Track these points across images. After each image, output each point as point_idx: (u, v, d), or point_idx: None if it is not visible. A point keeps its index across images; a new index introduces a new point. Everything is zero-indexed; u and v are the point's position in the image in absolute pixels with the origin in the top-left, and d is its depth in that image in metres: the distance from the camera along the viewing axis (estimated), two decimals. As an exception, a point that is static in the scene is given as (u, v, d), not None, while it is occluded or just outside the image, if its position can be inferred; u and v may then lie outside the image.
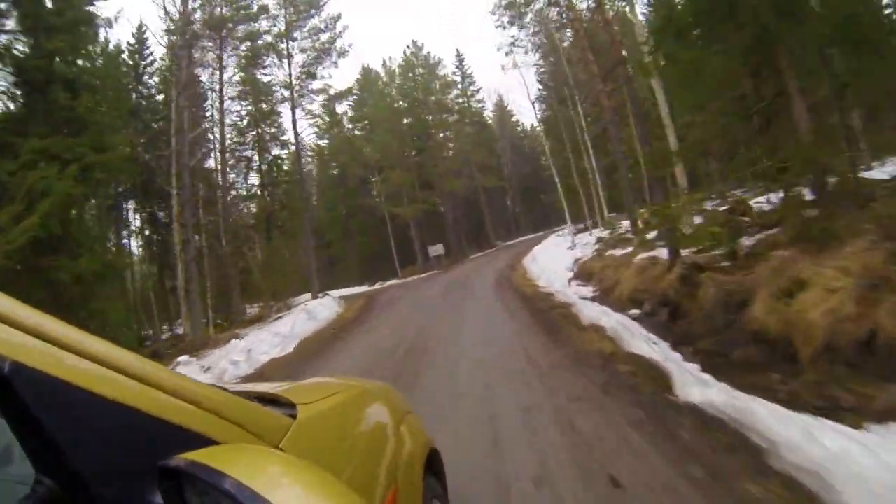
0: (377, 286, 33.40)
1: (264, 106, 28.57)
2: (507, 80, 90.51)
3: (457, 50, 46.29)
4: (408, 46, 36.30)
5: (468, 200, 43.24)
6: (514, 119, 58.31)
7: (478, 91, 43.94)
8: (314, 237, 30.86)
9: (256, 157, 29.75)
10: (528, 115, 73.36)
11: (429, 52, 36.06)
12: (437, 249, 32.32)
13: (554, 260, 16.48)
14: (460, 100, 38.55)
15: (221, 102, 24.04)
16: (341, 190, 43.32)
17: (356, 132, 43.67)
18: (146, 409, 0.67)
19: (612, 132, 17.48)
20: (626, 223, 18.05)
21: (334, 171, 45.35)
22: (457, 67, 42.91)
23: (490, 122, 48.92)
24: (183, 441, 0.69)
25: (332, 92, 28.01)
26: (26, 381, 0.54)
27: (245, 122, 29.69)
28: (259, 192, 29.27)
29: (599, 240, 17.25)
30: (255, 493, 0.55)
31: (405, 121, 36.05)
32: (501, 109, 55.40)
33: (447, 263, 33.14)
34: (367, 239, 40.48)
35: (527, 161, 60.12)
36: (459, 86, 41.04)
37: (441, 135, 34.96)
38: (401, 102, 35.95)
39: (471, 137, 38.76)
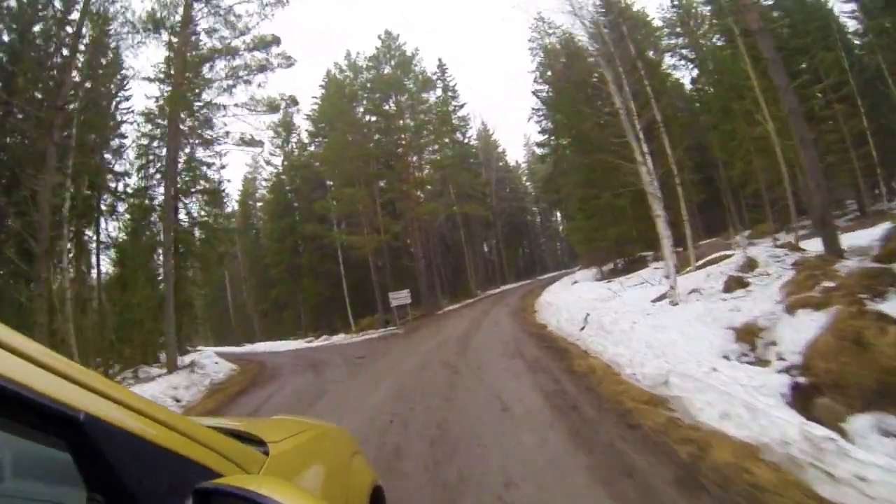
0: (316, 342, 25.03)
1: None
2: (494, 107, 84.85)
3: (439, 59, 38.97)
4: (379, 37, 29.10)
5: (443, 238, 35.63)
6: (500, 150, 51.60)
7: (462, 106, 36.88)
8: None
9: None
10: (514, 149, 66.65)
11: (404, 43, 28.85)
12: (401, 297, 24.26)
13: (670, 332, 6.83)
14: (440, 109, 31.36)
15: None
16: (289, 219, 35.36)
17: (311, 148, 36.24)
18: (168, 445, 0.88)
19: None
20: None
21: (291, 195, 37.62)
22: (438, 78, 35.91)
23: (474, 149, 41.64)
24: (193, 471, 0.91)
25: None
26: (93, 426, 0.73)
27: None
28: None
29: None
30: (270, 497, 0.78)
31: (367, 119, 28.50)
32: (486, 139, 48.60)
33: (414, 315, 25.01)
34: (315, 281, 32.24)
35: (510, 202, 53.26)
36: (439, 90, 33.85)
37: (412, 139, 27.35)
38: (364, 98, 28.41)
39: (452, 154, 31.28)
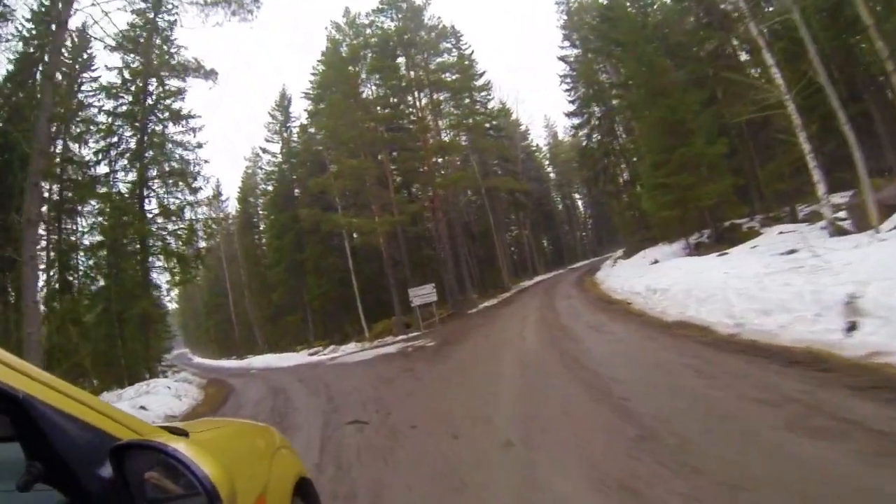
0: (320, 356, 20.00)
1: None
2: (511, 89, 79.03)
3: (452, 26, 32.84)
4: (381, -13, 23.81)
5: (467, 227, 30.33)
6: (522, 128, 45.97)
7: (481, 74, 31.24)
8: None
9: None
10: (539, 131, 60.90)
11: (412, -9, 23.57)
12: (424, 293, 19.11)
13: None
14: (459, 64, 26.09)
15: None
16: (291, 211, 30.41)
17: (311, 130, 31.18)
18: (90, 421, 1.00)
19: None
20: None
21: (292, 185, 32.72)
22: (454, 47, 30.54)
23: (496, 119, 35.95)
24: (111, 442, 0.99)
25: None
26: (30, 404, 0.87)
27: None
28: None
29: None
30: (174, 448, 0.96)
31: (372, 80, 23.33)
32: (508, 114, 42.92)
33: (441, 315, 19.89)
34: (320, 279, 27.25)
35: (539, 182, 47.86)
36: (454, 53, 28.48)
37: (428, 98, 22.20)
38: (367, 56, 23.18)
39: (476, 120, 26.01)
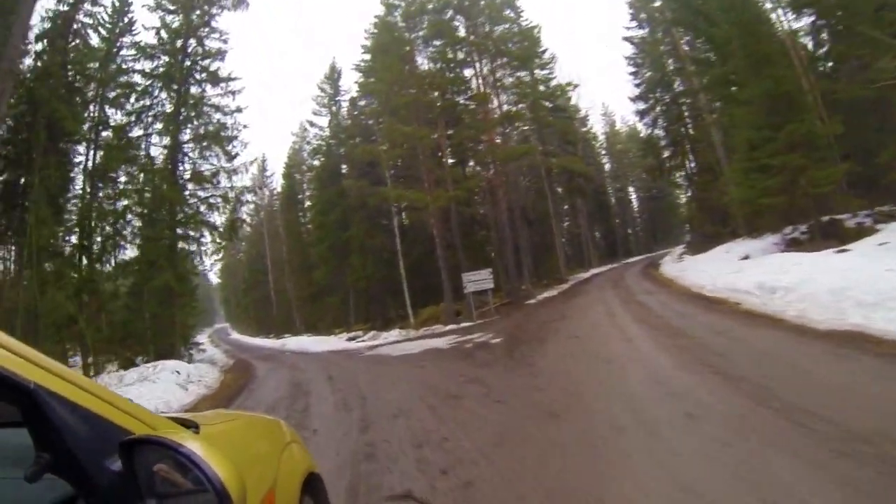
0: (359, 342, 18.46)
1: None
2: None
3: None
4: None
5: (524, 213, 28.02)
6: (581, 114, 43.11)
7: (544, 51, 28.77)
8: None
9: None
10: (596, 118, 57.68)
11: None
12: (480, 279, 17.23)
13: None
14: (522, 33, 23.93)
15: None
16: (337, 187, 28.97)
17: (362, 103, 29.63)
18: (101, 413, 0.98)
19: None
20: None
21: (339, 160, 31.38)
22: (514, 22, 28.16)
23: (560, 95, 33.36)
24: (122, 434, 0.99)
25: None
26: (41, 394, 0.85)
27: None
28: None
29: None
30: (185, 446, 0.92)
31: (429, 47, 21.39)
32: (568, 98, 40.14)
33: (495, 304, 18.01)
34: (365, 260, 25.72)
35: (598, 170, 45.30)
36: (515, 27, 26.13)
37: (489, 66, 20.20)
38: (424, 21, 21.21)
39: (538, 99, 23.87)
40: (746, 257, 14.67)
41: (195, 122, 18.42)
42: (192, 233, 17.71)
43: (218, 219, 18.00)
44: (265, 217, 41.47)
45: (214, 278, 68.33)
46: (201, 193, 17.82)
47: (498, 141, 21.45)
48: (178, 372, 10.94)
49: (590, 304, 13.73)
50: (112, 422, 0.99)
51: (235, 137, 18.57)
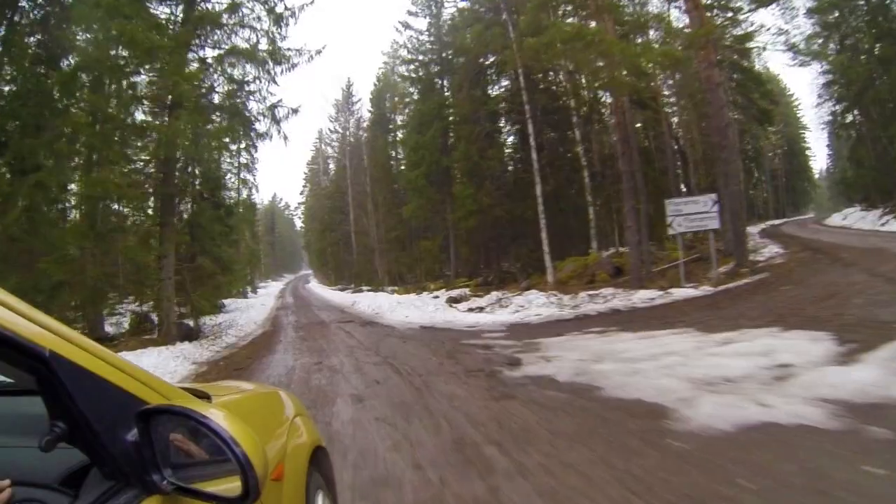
0: (479, 313, 11.51)
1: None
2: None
3: None
4: None
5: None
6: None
7: None
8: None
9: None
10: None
11: None
12: (695, 212, 9.59)
13: None
14: None
15: None
16: (437, 97, 21.94)
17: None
18: (117, 382, 0.93)
19: None
20: None
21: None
22: None
23: None
24: (137, 404, 0.95)
25: None
26: (56, 362, 0.80)
27: None
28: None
29: None
30: (208, 417, 0.89)
31: None
32: None
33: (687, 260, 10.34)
34: (478, 190, 18.27)
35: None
36: None
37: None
38: None
39: None
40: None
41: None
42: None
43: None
44: (350, 149, 35.97)
45: (298, 222, 65.11)
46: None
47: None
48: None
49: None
50: (128, 391, 0.96)
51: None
